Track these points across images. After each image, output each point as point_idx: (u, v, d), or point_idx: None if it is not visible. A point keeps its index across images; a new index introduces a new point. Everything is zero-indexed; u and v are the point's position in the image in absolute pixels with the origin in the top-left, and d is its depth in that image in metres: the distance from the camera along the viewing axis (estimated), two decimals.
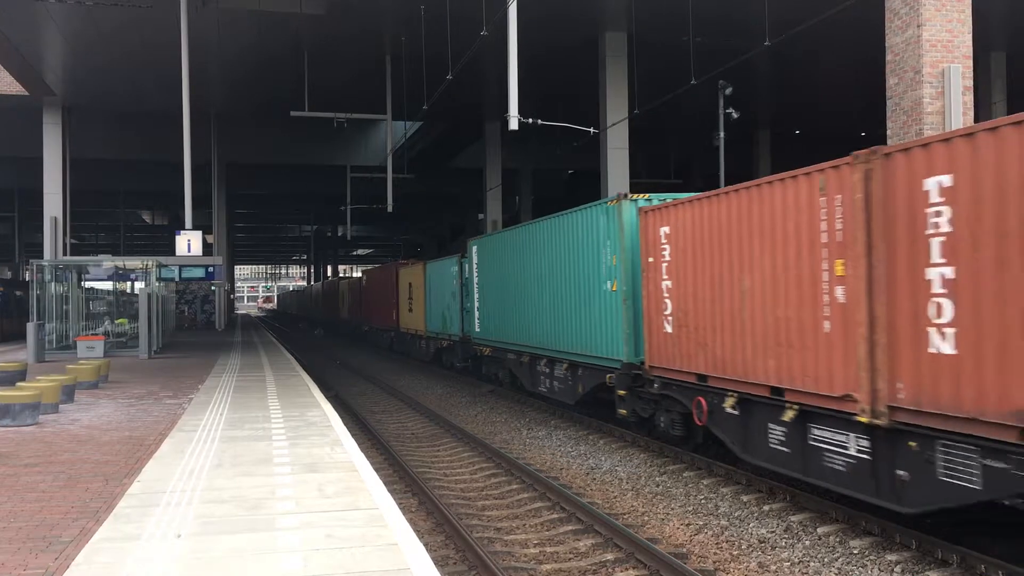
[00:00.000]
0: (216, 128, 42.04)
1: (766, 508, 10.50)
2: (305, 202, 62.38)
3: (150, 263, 27.38)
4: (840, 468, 9.05)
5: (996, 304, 7.03)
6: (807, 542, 9.21)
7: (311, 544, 6.10)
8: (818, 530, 9.51)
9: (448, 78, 21.36)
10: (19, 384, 13.17)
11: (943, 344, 7.54)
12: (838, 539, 9.23)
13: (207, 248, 39.13)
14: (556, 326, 17.10)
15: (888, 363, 8.16)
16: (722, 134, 25.23)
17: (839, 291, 8.88)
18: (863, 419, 8.44)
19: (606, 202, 14.69)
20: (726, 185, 12.38)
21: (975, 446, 7.31)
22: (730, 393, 11.00)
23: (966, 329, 7.31)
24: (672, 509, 10.87)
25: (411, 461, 14.28)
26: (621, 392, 14.17)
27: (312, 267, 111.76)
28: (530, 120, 18.74)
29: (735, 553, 9.04)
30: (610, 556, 8.97)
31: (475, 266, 23.18)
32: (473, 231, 52.75)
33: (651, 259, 13.09)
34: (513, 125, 16.28)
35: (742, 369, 10.69)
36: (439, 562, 8.77)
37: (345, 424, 18.13)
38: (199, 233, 23.99)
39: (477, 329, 23.07)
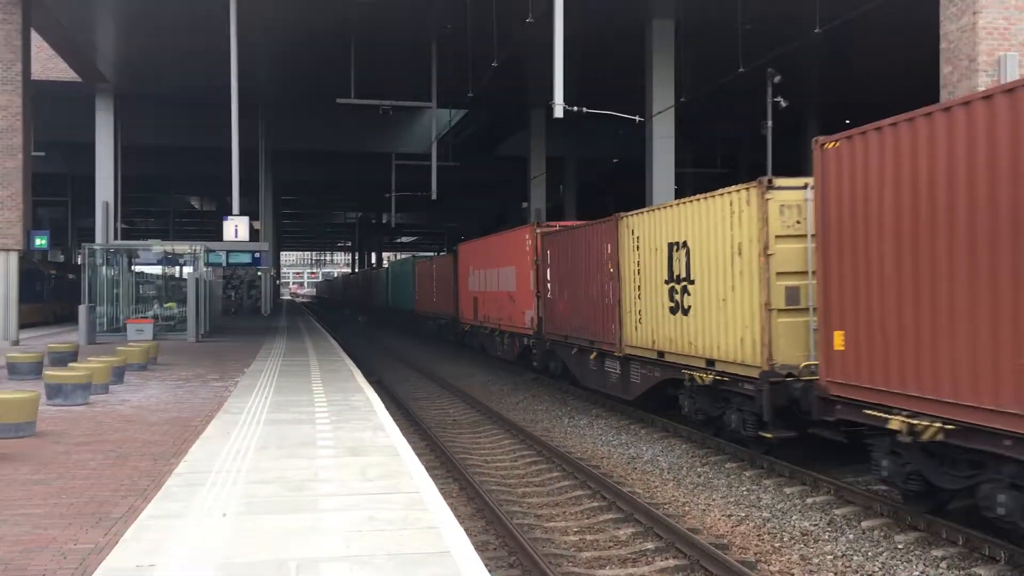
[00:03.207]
0: (263, 115, 42.48)
1: (809, 501, 10.39)
2: (350, 189, 62.85)
3: (198, 248, 27.80)
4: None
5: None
6: (851, 536, 9.10)
7: (353, 525, 6.16)
8: (862, 524, 9.39)
9: (493, 65, 21.33)
10: (71, 365, 13.48)
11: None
12: (883, 533, 9.11)
13: (254, 234, 39.56)
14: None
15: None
16: (770, 123, 24.92)
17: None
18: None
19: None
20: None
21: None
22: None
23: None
24: (713, 500, 10.80)
25: (452, 447, 14.37)
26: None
27: (356, 254, 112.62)
28: (575, 108, 18.65)
29: (777, 545, 8.97)
30: (650, 545, 8.95)
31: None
32: (516, 219, 52.72)
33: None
34: (558, 113, 16.23)
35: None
36: (479, 547, 8.82)
37: (387, 409, 18.27)
38: (246, 219, 24.30)
39: None
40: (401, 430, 15.84)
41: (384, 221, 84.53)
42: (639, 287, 15.73)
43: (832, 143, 9.90)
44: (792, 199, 11.63)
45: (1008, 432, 7.39)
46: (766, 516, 9.98)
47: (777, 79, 23.60)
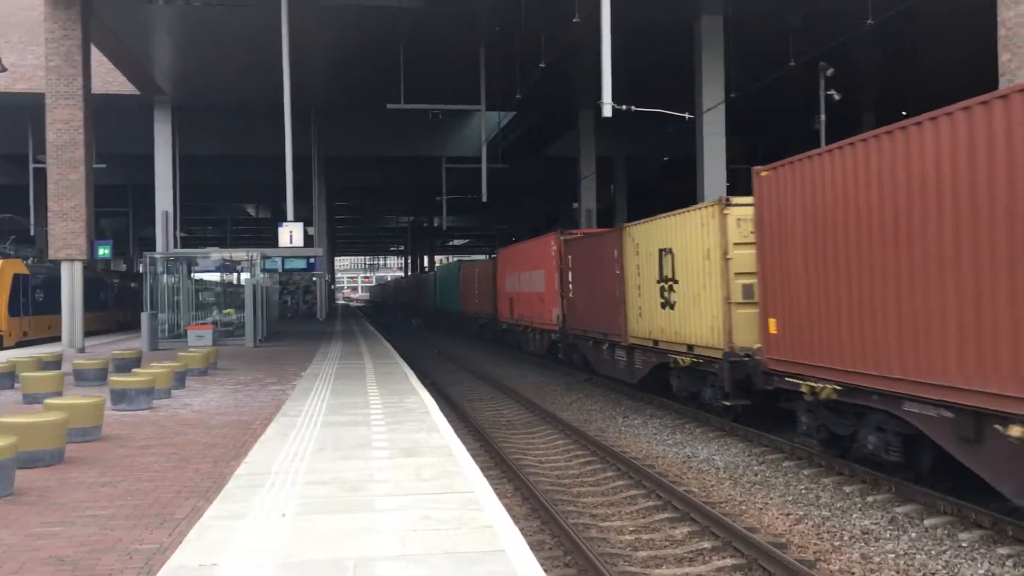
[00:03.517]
0: (316, 122, 43.06)
1: (869, 499, 10.23)
2: (402, 193, 63.32)
3: (255, 255, 28.28)
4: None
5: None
6: (913, 534, 8.94)
7: (408, 525, 6.23)
8: (925, 522, 9.22)
9: (541, 66, 21.34)
10: (134, 371, 13.82)
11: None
12: (946, 532, 8.93)
13: (308, 240, 40.14)
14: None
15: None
16: (823, 117, 24.54)
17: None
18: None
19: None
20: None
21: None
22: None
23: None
24: (771, 499, 10.69)
25: (506, 447, 14.41)
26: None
27: (409, 258, 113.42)
28: (624, 107, 18.58)
29: (836, 544, 8.84)
30: (707, 544, 8.89)
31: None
32: (567, 220, 52.66)
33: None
34: (607, 112, 16.20)
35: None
36: (534, 547, 8.84)
37: (441, 410, 18.39)
38: (300, 225, 24.65)
39: None
40: (455, 431, 15.95)
41: (435, 224, 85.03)
42: (639, 286, 18.27)
43: (765, 172, 12.60)
44: (746, 214, 14.10)
45: (874, 389, 10.22)
46: (825, 515, 9.84)
47: (830, 72, 23.25)
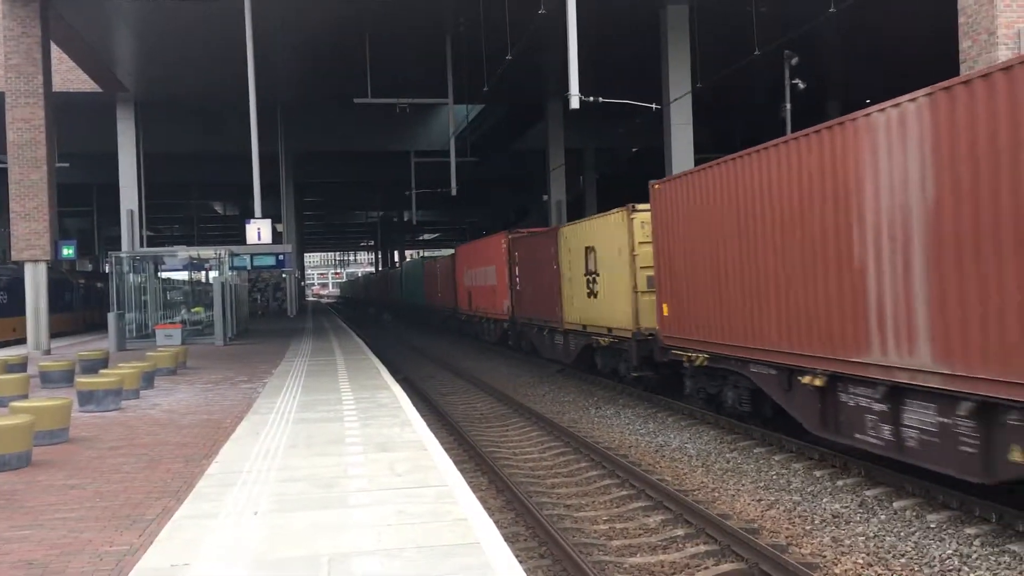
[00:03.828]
0: (282, 118, 42.73)
1: (839, 483, 10.35)
2: (371, 188, 63.05)
3: (223, 252, 28.03)
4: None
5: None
6: (882, 516, 9.06)
7: (383, 520, 6.22)
8: (894, 504, 9.35)
9: (508, 58, 21.32)
10: (102, 371, 13.65)
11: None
12: (915, 513, 9.06)
13: (277, 237, 39.85)
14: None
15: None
16: (788, 105, 24.71)
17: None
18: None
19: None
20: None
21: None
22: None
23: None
24: (743, 485, 10.78)
25: (480, 440, 14.42)
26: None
27: (379, 253, 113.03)
28: (591, 98, 18.61)
29: (808, 528, 8.94)
30: (680, 532, 8.95)
31: None
32: (538, 213, 52.71)
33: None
34: (574, 104, 16.22)
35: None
36: (509, 538, 8.86)
37: (414, 405, 18.36)
38: (268, 221, 24.44)
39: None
40: (429, 426, 15.93)
41: (405, 219, 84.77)
42: (571, 279, 20.89)
43: (658, 185, 15.56)
44: (647, 218, 16.67)
45: (732, 356, 12.96)
46: (796, 499, 9.95)
47: (795, 61, 23.42)
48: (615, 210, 17.85)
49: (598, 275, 18.88)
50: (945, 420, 8.45)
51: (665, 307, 15.40)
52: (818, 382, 10.46)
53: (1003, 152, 7.56)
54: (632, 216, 17.07)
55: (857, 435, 9.93)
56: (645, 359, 16.93)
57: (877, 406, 9.51)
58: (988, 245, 7.74)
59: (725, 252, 13.00)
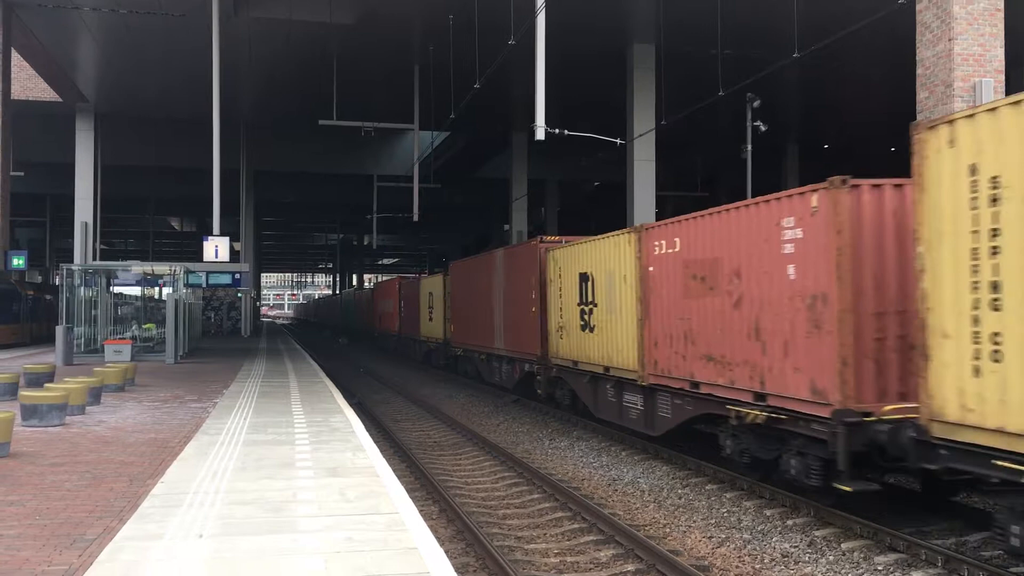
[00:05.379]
0: (245, 136, 42.45)
1: (789, 523, 10.40)
2: (332, 211, 62.74)
3: (178, 269, 27.63)
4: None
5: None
6: (831, 557, 9.11)
7: (332, 547, 6.11)
8: (842, 545, 9.40)
9: (475, 87, 21.42)
10: (47, 385, 13.32)
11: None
12: (862, 555, 9.12)
13: (234, 255, 39.41)
14: None
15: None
16: (749, 147, 25.12)
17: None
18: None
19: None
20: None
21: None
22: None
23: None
24: (694, 521, 10.79)
25: (432, 468, 14.29)
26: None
27: (338, 276, 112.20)
28: (556, 131, 18.75)
29: (757, 567, 8.96)
30: (631, 567, 8.91)
31: None
32: (499, 241, 52.82)
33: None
34: (540, 135, 16.31)
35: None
36: (459, 569, 8.76)
37: (368, 431, 18.16)
38: (226, 239, 24.18)
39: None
40: (381, 451, 15.75)
41: (366, 243, 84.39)
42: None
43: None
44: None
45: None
46: (747, 537, 9.97)
47: (757, 103, 23.83)
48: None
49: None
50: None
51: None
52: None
53: None
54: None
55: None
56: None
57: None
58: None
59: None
